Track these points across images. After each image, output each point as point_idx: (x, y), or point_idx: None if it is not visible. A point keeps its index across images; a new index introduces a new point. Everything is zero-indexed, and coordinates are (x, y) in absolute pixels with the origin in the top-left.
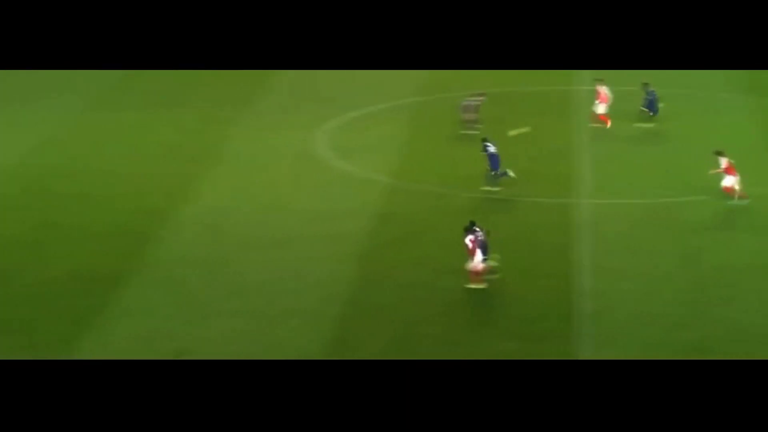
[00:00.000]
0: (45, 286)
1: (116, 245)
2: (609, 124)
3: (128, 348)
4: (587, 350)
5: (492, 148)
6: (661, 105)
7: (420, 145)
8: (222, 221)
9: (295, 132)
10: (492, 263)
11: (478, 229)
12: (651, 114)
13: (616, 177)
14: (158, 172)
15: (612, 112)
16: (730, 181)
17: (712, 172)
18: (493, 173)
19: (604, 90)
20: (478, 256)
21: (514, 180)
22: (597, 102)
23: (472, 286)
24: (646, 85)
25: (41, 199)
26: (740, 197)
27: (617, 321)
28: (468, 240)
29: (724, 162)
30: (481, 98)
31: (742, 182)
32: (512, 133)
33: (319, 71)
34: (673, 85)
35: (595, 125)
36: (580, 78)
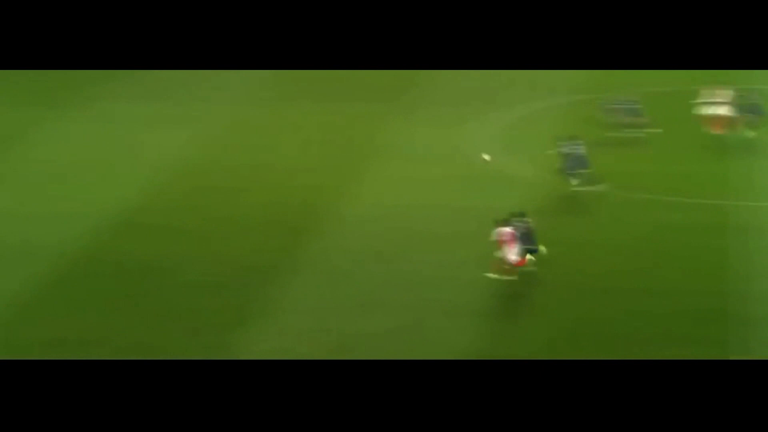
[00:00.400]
0: (209, 278)
1: (277, 239)
2: (732, 122)
3: (290, 341)
4: (745, 355)
5: (580, 149)
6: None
7: None
8: (380, 216)
9: (454, 129)
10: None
11: (519, 221)
12: (760, 118)
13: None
14: (318, 166)
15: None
16: None
17: None
18: (571, 172)
19: (722, 93)
20: (512, 248)
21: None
22: (714, 105)
23: (496, 276)
24: (743, 91)
25: (204, 194)
26: None
27: None
28: (502, 232)
29: None
30: (632, 100)
31: None
32: (485, 157)
33: (475, 70)
34: None
35: (716, 131)
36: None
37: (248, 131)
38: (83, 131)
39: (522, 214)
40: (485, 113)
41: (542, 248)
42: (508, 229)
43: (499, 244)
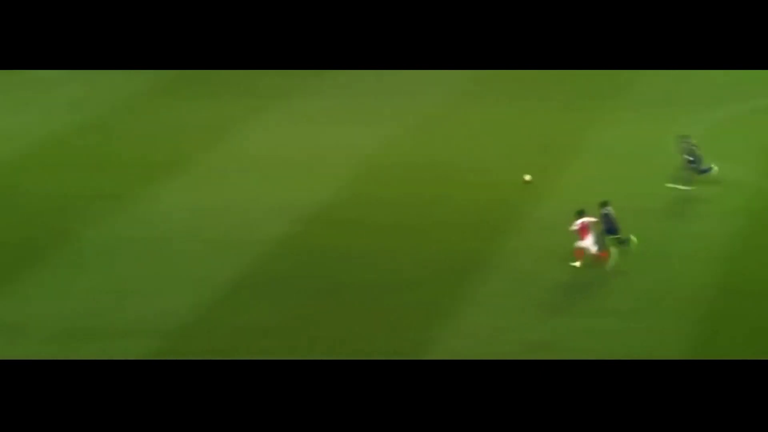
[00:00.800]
0: (401, 275)
1: (470, 238)
2: None
3: (481, 338)
4: None
5: (691, 149)
6: None
7: None
8: (570, 215)
9: (658, 129)
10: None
11: (607, 209)
12: None
13: None
14: (518, 165)
15: None
16: None
17: None
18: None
19: None
20: (588, 237)
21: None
22: None
23: (578, 264)
24: None
25: (399, 191)
26: None
27: None
28: (578, 222)
29: None
30: None
31: None
32: (527, 177)
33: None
34: None
35: None
36: None
37: (448, 129)
38: (282, 128)
39: (605, 204)
40: (689, 114)
41: (633, 238)
42: (583, 220)
43: (578, 234)
